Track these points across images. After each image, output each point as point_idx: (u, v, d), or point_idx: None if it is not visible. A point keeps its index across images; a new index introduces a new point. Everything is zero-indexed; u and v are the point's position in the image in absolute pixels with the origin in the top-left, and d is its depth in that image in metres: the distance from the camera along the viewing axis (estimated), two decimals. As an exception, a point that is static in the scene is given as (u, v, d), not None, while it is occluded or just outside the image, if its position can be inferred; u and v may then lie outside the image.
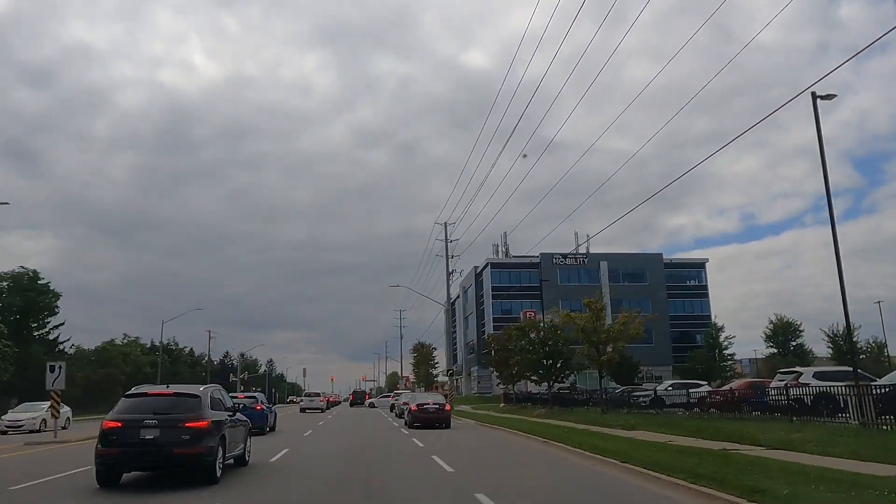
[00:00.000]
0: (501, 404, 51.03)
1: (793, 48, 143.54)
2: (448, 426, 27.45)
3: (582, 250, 78.30)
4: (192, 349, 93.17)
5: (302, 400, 62.36)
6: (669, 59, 38.24)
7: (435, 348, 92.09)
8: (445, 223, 50.84)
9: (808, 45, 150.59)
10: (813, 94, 18.53)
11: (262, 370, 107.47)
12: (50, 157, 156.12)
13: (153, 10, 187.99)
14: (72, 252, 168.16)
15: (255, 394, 31.48)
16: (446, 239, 51.22)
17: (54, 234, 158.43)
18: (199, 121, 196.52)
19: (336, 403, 72.67)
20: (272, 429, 27.16)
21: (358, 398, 76.56)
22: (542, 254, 74.36)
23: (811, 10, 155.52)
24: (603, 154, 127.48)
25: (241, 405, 20.67)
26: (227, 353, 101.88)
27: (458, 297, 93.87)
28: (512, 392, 51.23)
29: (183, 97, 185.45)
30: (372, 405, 53.89)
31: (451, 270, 51.13)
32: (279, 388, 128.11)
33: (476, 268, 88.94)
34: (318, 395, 62.33)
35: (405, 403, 33.32)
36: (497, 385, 60.68)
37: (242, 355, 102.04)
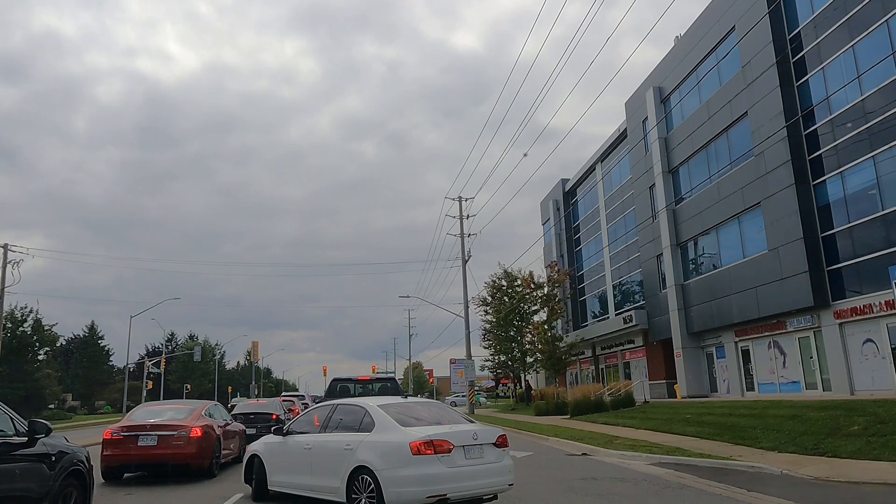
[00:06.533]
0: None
1: None
2: None
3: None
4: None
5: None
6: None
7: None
8: (460, 197, 41.58)
9: None
10: None
11: (215, 356, 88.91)
12: (30, 154, 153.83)
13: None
14: (63, 252, 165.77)
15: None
16: (461, 215, 41.17)
17: (44, 234, 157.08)
18: (180, 113, 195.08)
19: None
20: None
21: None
22: None
23: None
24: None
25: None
26: (171, 333, 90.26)
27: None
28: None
29: (162, 88, 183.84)
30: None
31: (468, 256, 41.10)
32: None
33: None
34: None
35: None
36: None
37: (193, 337, 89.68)
